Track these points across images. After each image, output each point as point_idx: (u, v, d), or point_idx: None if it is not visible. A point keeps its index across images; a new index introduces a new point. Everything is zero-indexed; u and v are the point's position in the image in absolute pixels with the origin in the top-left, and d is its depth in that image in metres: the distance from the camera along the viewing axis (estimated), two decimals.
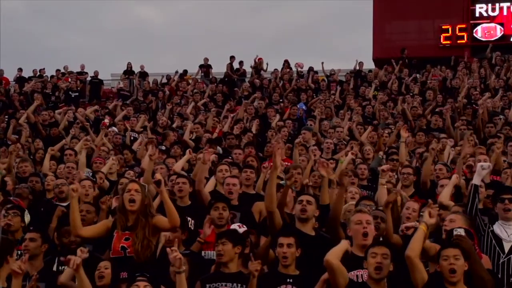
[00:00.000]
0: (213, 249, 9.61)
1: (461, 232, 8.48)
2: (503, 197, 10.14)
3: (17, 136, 19.14)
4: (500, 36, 32.88)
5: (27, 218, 10.83)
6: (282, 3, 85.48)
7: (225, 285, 8.58)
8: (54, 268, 8.59)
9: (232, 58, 30.99)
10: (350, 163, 14.42)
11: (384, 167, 12.12)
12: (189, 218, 10.87)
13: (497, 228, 10.01)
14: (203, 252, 9.96)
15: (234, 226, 9.77)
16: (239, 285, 8.48)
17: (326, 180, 11.03)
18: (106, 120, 21.67)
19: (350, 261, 8.43)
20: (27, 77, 29.32)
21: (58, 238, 10.00)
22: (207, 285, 8.65)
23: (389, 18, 34.01)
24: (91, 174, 13.72)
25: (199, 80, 30.07)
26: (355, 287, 7.97)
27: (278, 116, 21.71)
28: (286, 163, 14.61)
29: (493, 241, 9.88)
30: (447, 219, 9.64)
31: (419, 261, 8.16)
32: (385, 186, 11.39)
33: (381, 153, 15.87)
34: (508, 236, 9.89)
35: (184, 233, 10.11)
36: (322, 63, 30.45)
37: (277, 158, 10.16)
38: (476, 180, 10.29)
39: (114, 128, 19.91)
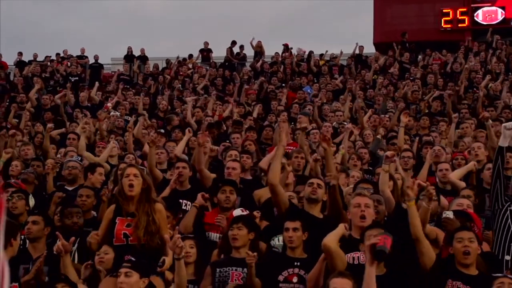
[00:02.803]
0: (215, 231, 9.86)
1: (450, 215, 8.62)
2: None
3: (17, 120, 19.17)
4: (501, 20, 32.84)
5: (31, 202, 10.94)
6: None
7: (235, 270, 8.67)
8: (55, 251, 8.58)
9: (233, 43, 31.00)
10: (351, 147, 14.47)
11: (389, 153, 11.78)
12: (186, 202, 10.95)
13: None
14: (207, 233, 10.02)
15: (237, 210, 9.86)
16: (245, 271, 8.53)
17: (328, 151, 10.91)
18: (109, 104, 21.74)
19: (348, 243, 8.52)
20: (27, 61, 29.32)
21: (61, 219, 10.10)
22: (218, 269, 8.78)
23: (390, 2, 33.92)
24: (80, 159, 13.66)
25: (199, 64, 30.13)
26: (353, 270, 7.90)
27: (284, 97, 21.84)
28: (291, 147, 14.54)
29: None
30: (455, 203, 9.75)
31: (424, 239, 8.30)
32: (387, 173, 11.17)
33: (379, 136, 15.89)
34: None
35: (175, 218, 10.09)
36: (326, 51, 30.36)
37: (284, 135, 10.41)
38: (502, 142, 10.06)
39: (116, 112, 19.91)
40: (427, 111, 19.88)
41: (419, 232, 8.26)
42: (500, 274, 7.92)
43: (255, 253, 8.37)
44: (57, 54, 30.44)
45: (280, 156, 10.18)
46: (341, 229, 8.35)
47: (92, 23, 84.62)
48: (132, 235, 8.28)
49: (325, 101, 21.53)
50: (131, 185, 8.39)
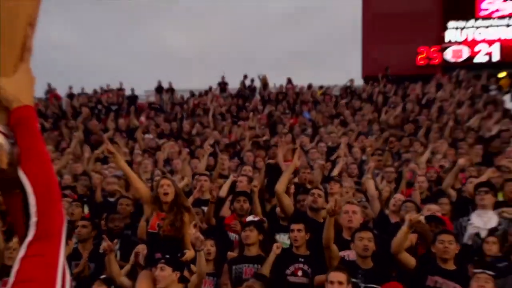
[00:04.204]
0: (233, 232, 10.03)
1: (421, 219, 8.60)
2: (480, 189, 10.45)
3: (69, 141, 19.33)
4: (467, 57, 32.77)
5: (86, 209, 11.11)
6: (283, 30, 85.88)
7: (248, 266, 8.75)
8: (101, 251, 8.68)
9: (245, 76, 31.12)
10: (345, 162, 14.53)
11: (371, 165, 12.50)
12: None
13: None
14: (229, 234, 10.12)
15: (250, 217, 9.86)
16: (259, 265, 8.61)
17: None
18: (142, 118, 21.91)
19: (341, 243, 8.59)
20: (76, 93, 29.51)
21: (106, 224, 10.18)
22: (233, 267, 8.84)
23: (375, 43, 33.71)
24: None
25: (217, 95, 30.27)
26: (346, 265, 7.99)
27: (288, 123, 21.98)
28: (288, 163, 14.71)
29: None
30: (426, 209, 9.82)
31: (404, 254, 8.31)
32: (371, 180, 11.62)
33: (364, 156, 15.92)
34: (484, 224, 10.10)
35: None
36: (321, 86, 30.36)
37: (296, 156, 10.74)
38: None
39: (149, 135, 19.99)
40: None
41: (398, 250, 8.34)
42: (479, 270, 7.84)
43: (279, 244, 8.82)
44: (101, 88, 30.59)
45: (290, 172, 10.46)
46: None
47: (130, 59, 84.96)
48: (162, 227, 8.49)
49: (321, 125, 21.55)
50: (165, 193, 8.63)
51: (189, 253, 8.09)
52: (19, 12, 2.43)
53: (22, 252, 2.14)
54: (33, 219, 2.18)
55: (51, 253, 2.15)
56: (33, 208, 2.20)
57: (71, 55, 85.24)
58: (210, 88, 31.03)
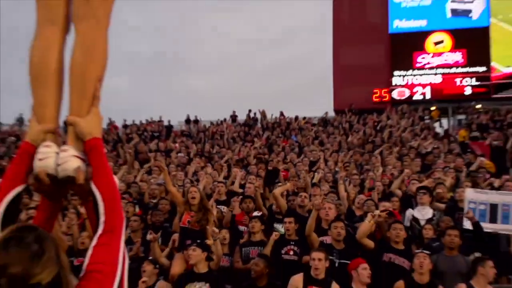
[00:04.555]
0: (242, 225, 9.89)
1: (381, 214, 8.50)
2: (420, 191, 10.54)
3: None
4: (408, 96, 32.38)
5: (137, 208, 11.13)
6: (276, 76, 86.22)
7: (254, 248, 8.73)
8: (148, 239, 8.67)
9: (249, 111, 31.00)
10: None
11: (342, 174, 12.52)
12: (223, 207, 10.89)
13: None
14: (238, 227, 10.01)
15: (255, 212, 9.94)
16: (262, 247, 8.54)
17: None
18: (177, 145, 21.85)
19: (320, 231, 8.65)
20: (128, 124, 29.44)
21: (150, 219, 10.18)
22: (243, 249, 8.84)
23: (342, 85, 33.17)
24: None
25: (230, 124, 30.26)
26: (324, 246, 8.02)
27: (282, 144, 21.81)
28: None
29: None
30: (381, 205, 9.82)
31: (365, 239, 8.35)
32: (342, 185, 11.71)
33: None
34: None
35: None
36: (304, 117, 30.19)
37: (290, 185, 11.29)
38: None
39: (181, 154, 19.87)
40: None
41: (361, 236, 8.39)
42: (419, 250, 7.95)
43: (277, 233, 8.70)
44: (146, 120, 30.51)
45: (285, 188, 10.89)
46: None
47: (167, 99, 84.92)
48: (191, 222, 8.49)
49: (305, 145, 21.47)
50: (193, 197, 8.66)
51: (209, 241, 8.06)
52: (91, 70, 2.46)
53: (94, 242, 2.17)
54: (102, 218, 2.22)
55: (115, 242, 2.19)
56: (101, 211, 2.23)
57: (126, 97, 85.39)
58: (225, 119, 30.92)
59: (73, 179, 2.34)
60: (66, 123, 2.47)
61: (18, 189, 2.32)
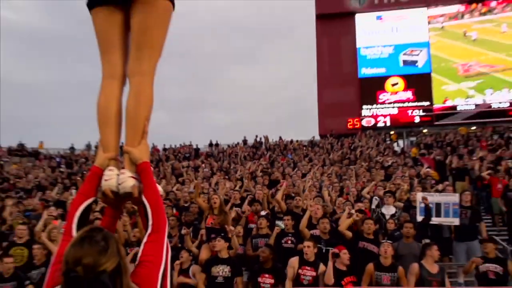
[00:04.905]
0: (251, 223, 9.70)
1: (354, 213, 8.50)
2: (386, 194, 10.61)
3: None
4: (373, 123, 32.11)
5: (174, 210, 10.79)
6: (274, 110, 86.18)
7: (261, 239, 8.56)
8: (182, 233, 8.59)
9: (256, 136, 30.96)
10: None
11: (326, 182, 12.23)
12: (238, 209, 10.59)
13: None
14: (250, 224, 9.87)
15: (262, 212, 9.80)
16: (267, 239, 8.39)
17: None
18: (204, 165, 21.74)
19: (310, 226, 8.53)
20: (167, 148, 29.40)
21: (184, 218, 10.02)
22: (253, 240, 8.70)
23: (325, 116, 32.85)
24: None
25: (242, 146, 30.14)
26: (314, 238, 7.91)
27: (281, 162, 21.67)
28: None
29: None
30: (356, 205, 9.74)
31: (345, 231, 8.21)
32: (326, 191, 11.64)
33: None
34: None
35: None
36: (297, 140, 30.21)
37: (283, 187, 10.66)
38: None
39: (206, 169, 19.77)
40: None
41: (343, 228, 8.26)
42: (384, 240, 7.90)
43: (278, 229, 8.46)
44: (180, 145, 30.45)
45: (282, 192, 10.41)
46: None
47: (195, 130, 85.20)
48: (214, 224, 8.47)
49: (298, 161, 21.40)
50: (215, 203, 8.66)
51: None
52: (141, 112, 2.48)
53: (145, 239, 2.16)
54: (150, 221, 2.21)
55: (161, 239, 2.17)
56: (150, 216, 2.22)
57: (166, 127, 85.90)
58: (238, 143, 30.90)
59: (130, 194, 2.37)
60: (123, 151, 2.49)
61: (90, 201, 2.34)
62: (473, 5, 32.05)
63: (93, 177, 2.40)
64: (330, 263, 7.15)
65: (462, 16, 32.08)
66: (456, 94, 30.96)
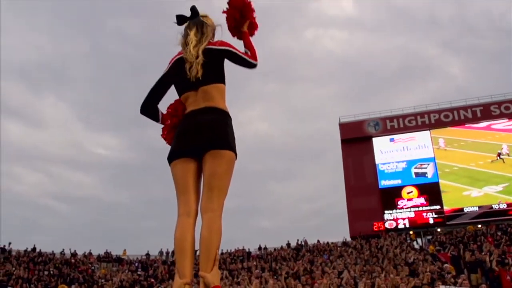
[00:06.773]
0: None
1: None
2: None
3: None
4: (395, 226, 31.19)
5: None
6: (313, 216, 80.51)
7: None
8: None
9: (298, 239, 28.75)
10: None
11: (362, 280, 11.68)
12: None
13: None
14: None
15: None
16: None
17: None
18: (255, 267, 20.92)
19: None
20: (224, 252, 27.53)
21: None
22: None
23: (355, 220, 31.97)
24: None
25: None
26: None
27: None
28: None
29: None
30: None
31: None
32: (362, 285, 10.62)
33: None
34: None
35: None
36: (332, 242, 28.09)
37: None
38: None
39: (257, 270, 19.02)
40: None
41: None
42: None
43: None
44: (235, 249, 28.70)
45: None
46: None
47: (245, 233, 77.75)
48: None
49: (334, 260, 20.24)
50: None
51: None
52: (212, 243, 2.51)
53: None
54: None
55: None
56: None
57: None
58: (282, 246, 28.76)
59: None
60: (198, 276, 2.49)
61: None
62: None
63: None
64: None
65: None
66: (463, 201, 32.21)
